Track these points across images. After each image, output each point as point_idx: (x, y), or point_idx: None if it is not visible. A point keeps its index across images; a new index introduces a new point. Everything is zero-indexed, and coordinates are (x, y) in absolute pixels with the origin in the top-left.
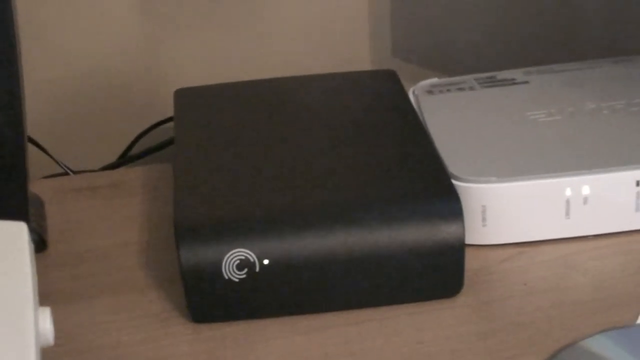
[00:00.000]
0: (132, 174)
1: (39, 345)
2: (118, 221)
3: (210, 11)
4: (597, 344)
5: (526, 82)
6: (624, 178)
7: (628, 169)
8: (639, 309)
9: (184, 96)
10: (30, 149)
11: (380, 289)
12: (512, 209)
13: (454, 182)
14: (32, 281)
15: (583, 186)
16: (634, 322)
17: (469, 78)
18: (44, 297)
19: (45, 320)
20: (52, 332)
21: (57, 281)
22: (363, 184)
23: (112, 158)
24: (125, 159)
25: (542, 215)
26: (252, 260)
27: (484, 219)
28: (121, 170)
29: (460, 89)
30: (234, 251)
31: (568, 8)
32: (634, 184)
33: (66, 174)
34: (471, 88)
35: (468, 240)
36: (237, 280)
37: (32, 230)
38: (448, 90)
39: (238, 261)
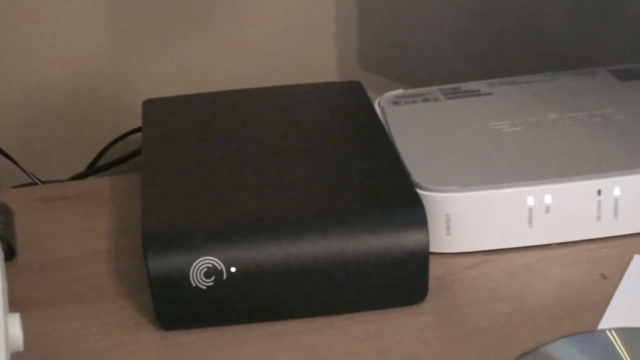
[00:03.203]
0: (101, 184)
1: (10, 351)
2: (86, 230)
3: (179, 23)
4: (559, 349)
5: (490, 94)
6: (585, 187)
7: (589, 178)
8: (600, 315)
9: (152, 107)
10: None
11: (346, 296)
12: (476, 217)
13: (418, 191)
14: (2, 287)
15: (545, 195)
16: (595, 328)
17: (434, 89)
18: (13, 304)
19: (15, 326)
20: (21, 338)
21: (26, 289)
22: (328, 193)
23: (81, 168)
24: (93, 169)
25: (505, 223)
26: (219, 268)
27: (448, 228)
28: (90, 180)
29: (425, 100)
30: (201, 259)
31: (532, 21)
32: (595, 193)
33: (35, 183)
34: (436, 99)
35: (432, 249)
36: (204, 287)
37: (0, 238)
38: (413, 101)
39: (205, 269)
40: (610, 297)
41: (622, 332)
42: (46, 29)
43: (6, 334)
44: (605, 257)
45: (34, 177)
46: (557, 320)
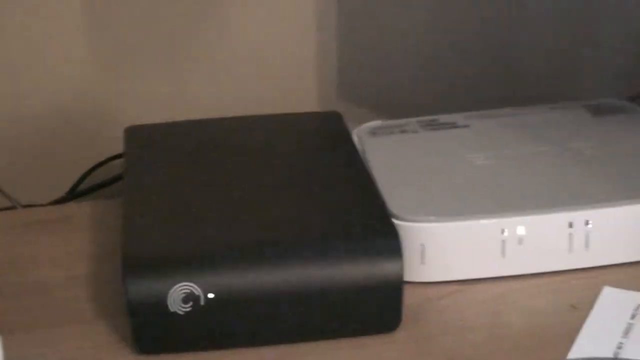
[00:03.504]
0: (81, 208)
1: None
2: (66, 255)
3: (161, 50)
4: None
5: (466, 126)
6: (557, 219)
7: (561, 210)
8: (569, 346)
9: (133, 133)
10: None
11: (322, 323)
12: (450, 247)
13: (394, 221)
14: None
15: (518, 227)
16: (564, 358)
17: (412, 121)
18: None
19: None
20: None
21: (5, 312)
22: (306, 222)
23: (61, 193)
24: (74, 194)
25: (479, 254)
26: (197, 294)
27: (422, 257)
28: (70, 205)
29: (403, 132)
30: (179, 285)
31: (508, 57)
32: (567, 225)
33: (14, 207)
34: (414, 131)
35: (407, 278)
36: (182, 313)
37: None
38: (391, 133)
39: (183, 295)
40: (580, 327)
41: None
42: (29, 55)
43: None
44: (576, 288)
45: (14, 201)
46: (527, 351)
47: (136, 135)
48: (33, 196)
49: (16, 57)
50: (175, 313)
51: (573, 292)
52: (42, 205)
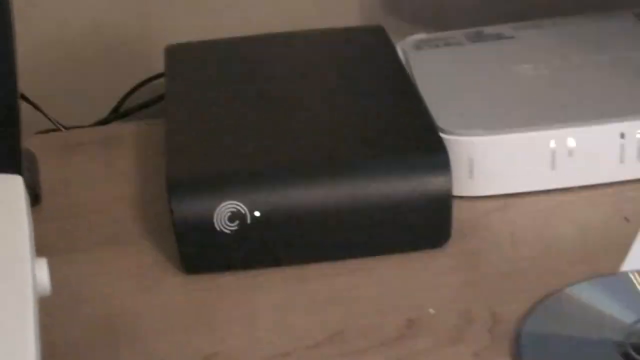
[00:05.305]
0: (124, 129)
1: (37, 295)
2: (110, 176)
3: None
4: (582, 290)
5: (513, 37)
6: (608, 130)
7: (612, 121)
8: (621, 257)
9: (174, 52)
10: (22, 105)
11: (370, 239)
12: (499, 161)
13: (442, 135)
14: (29, 232)
15: (568, 138)
16: (617, 270)
17: (457, 33)
18: (37, 250)
19: (42, 271)
20: (48, 282)
21: (50, 234)
22: (352, 138)
23: (104, 114)
24: (116, 115)
25: (528, 167)
26: (243, 212)
27: (471, 171)
28: (113, 125)
29: (448, 44)
30: (225, 203)
31: None
32: (618, 136)
33: (58, 129)
34: (459, 43)
35: (455, 192)
36: (228, 232)
37: (25, 184)
38: (436, 46)
39: (229, 213)
40: (632, 239)
41: None
42: None
43: (34, 278)
44: (629, 199)
45: (57, 123)
46: (579, 263)
47: (177, 53)
48: (75, 118)
49: None
50: (221, 232)
51: (625, 204)
52: (84, 126)
